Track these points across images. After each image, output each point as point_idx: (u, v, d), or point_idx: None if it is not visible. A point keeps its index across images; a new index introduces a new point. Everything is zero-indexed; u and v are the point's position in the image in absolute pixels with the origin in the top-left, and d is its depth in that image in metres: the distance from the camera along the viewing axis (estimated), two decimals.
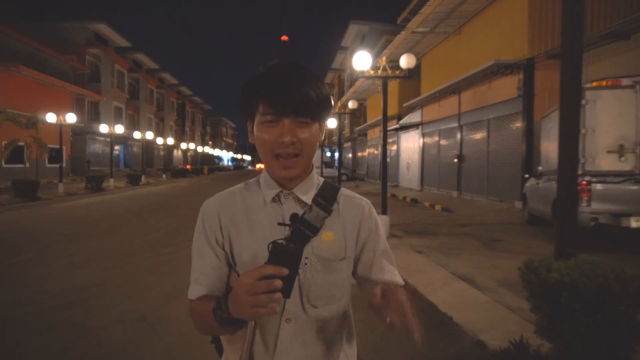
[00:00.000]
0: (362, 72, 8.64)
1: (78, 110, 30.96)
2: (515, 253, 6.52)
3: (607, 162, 6.20)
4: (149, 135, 33.27)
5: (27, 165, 23.17)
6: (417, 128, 21.49)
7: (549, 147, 8.02)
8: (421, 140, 21.14)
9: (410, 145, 23.04)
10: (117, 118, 39.13)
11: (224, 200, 1.09)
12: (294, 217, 1.02)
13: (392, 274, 1.13)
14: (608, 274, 2.56)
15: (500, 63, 12.16)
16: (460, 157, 16.45)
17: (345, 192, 1.13)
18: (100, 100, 36.24)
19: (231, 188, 1.12)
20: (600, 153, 6.20)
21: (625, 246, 6.67)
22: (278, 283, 0.80)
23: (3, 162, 22.96)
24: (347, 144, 45.90)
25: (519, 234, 8.58)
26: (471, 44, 15.29)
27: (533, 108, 11.88)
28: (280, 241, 0.88)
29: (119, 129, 26.06)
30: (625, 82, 6.13)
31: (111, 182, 24.27)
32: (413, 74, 22.31)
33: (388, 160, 28.84)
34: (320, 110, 1.00)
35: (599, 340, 2.51)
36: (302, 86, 0.97)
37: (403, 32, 17.41)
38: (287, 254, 0.84)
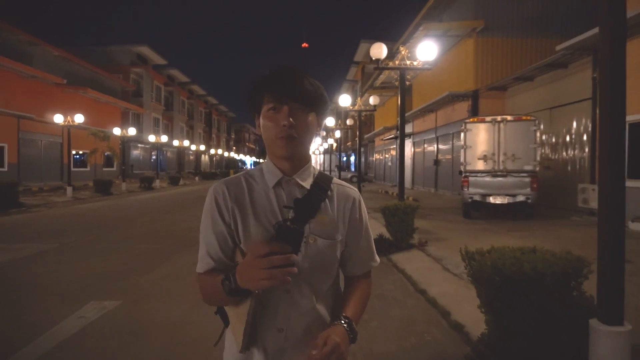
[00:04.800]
0: (346, 107, 13.26)
1: (124, 122, 36.38)
2: (432, 219, 11.04)
3: (478, 165, 10.68)
4: (186, 142, 38.38)
5: (88, 168, 28.62)
6: (410, 138, 25.94)
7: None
8: (412, 148, 25.61)
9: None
10: (155, 127, 44.63)
11: (231, 184, 1.21)
12: (296, 201, 1.15)
13: (367, 265, 1.32)
14: (403, 204, 7.17)
15: (454, 94, 16.66)
16: (436, 161, 20.90)
17: (337, 181, 1.27)
18: (142, 113, 41.71)
19: (235, 175, 1.26)
20: (474, 159, 10.71)
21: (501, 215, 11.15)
22: (294, 258, 0.94)
23: (72, 166, 28.40)
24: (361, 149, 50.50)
25: (449, 213, 13.05)
26: (440, 75, 19.79)
27: None
28: (285, 222, 1.02)
29: (164, 138, 31.29)
30: (487, 119, 10.64)
31: (157, 183, 29.44)
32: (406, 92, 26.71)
33: (389, 164, 33.34)
34: (315, 101, 1.16)
35: (399, 230, 7.11)
36: (299, 80, 1.14)
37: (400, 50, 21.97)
38: (292, 233, 0.99)
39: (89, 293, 4.83)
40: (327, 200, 1.21)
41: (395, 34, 42.25)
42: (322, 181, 1.22)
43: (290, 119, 1.12)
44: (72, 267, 6.22)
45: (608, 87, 2.54)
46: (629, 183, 9.20)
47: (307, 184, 1.20)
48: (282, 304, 1.14)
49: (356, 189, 1.29)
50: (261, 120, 1.18)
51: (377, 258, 1.35)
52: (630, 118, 9.21)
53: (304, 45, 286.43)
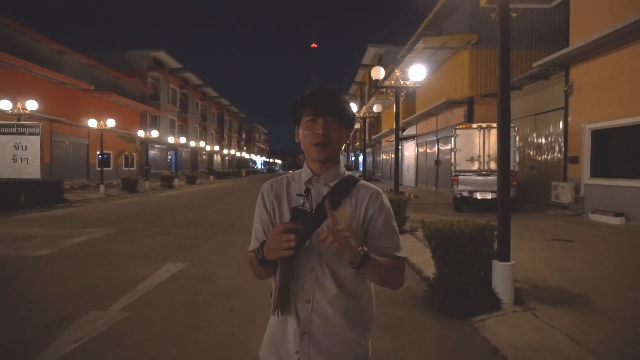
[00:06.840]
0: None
1: (143, 123, 38.37)
2: (427, 212, 12.72)
3: (465, 165, 12.34)
4: (201, 143, 40.27)
5: (111, 168, 30.59)
6: (413, 139, 27.58)
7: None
8: (416, 149, 27.24)
9: (408, 153, 29.17)
10: (170, 129, 46.66)
11: (275, 183, 1.53)
12: (307, 190, 1.43)
13: (389, 251, 1.44)
14: (397, 197, 8.88)
15: (451, 100, 18.29)
16: (437, 161, 22.53)
17: (363, 182, 1.51)
18: (159, 115, 43.74)
19: (282, 176, 1.55)
20: (462, 160, 12.37)
21: (486, 208, 12.79)
22: (293, 237, 1.24)
23: (96, 165, 30.47)
24: (369, 150, 52.22)
25: (444, 207, 14.71)
26: (439, 83, 21.44)
27: None
28: (299, 207, 1.35)
29: (182, 140, 33.14)
30: (474, 126, 12.29)
31: (176, 182, 31.37)
32: (410, 98, 28.41)
33: None
34: (345, 115, 1.43)
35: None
36: (333, 97, 1.42)
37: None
38: (301, 214, 1.30)
39: (164, 258, 6.64)
40: (350, 197, 1.44)
41: (402, 38, 44.07)
42: (347, 181, 1.47)
43: (324, 130, 1.39)
44: (140, 243, 8.04)
45: (500, 124, 4.29)
46: (591, 181, 10.86)
47: (333, 183, 1.45)
48: (308, 281, 1.40)
49: (377, 188, 1.50)
50: (300, 130, 1.45)
51: (402, 251, 1.47)
52: (592, 126, 10.86)
53: (313, 45, 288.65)
